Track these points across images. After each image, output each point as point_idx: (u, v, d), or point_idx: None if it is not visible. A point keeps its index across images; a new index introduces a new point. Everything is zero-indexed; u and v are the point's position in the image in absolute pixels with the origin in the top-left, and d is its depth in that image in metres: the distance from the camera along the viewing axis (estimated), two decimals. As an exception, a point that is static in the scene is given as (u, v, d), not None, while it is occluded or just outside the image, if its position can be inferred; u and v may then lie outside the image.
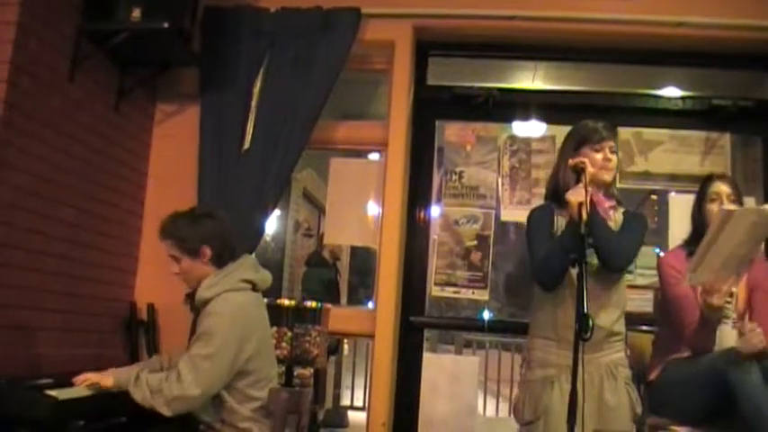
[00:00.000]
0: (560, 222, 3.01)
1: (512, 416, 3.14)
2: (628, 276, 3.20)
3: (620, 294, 3.03)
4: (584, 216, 2.69)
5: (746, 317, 3.21)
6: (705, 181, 3.41)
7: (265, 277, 3.12)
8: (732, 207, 3.05)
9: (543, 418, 2.87)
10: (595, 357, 2.85)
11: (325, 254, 7.90)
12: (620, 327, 3.01)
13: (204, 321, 2.87)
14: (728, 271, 2.86)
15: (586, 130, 3.05)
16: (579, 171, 2.85)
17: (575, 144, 3.06)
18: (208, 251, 2.95)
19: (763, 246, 3.92)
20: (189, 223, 2.98)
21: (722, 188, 3.30)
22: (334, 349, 4.23)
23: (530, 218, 3.14)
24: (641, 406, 3.00)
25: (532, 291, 3.12)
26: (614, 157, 3.02)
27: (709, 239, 2.80)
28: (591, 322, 2.40)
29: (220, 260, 2.98)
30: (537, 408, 2.90)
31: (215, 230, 2.98)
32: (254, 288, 3.04)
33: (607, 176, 3.01)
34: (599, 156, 2.98)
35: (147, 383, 2.79)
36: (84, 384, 2.86)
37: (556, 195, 3.06)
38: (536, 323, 3.07)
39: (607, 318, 2.93)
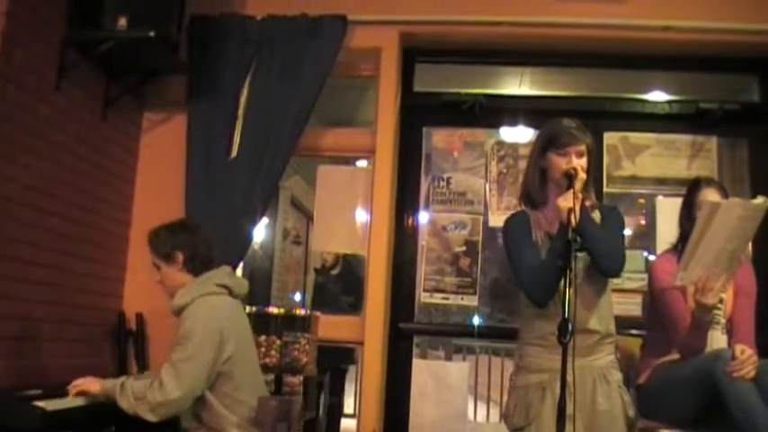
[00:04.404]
0: (536, 228, 2.96)
1: (502, 422, 3.08)
2: (615, 280, 3.18)
3: (610, 296, 2.99)
4: (573, 223, 2.66)
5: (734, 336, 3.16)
6: (693, 186, 3.31)
7: (241, 282, 3.22)
8: (718, 199, 3.00)
9: (534, 424, 2.83)
10: (588, 361, 2.82)
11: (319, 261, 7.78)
12: (613, 328, 2.97)
13: (181, 326, 2.93)
14: (720, 267, 2.82)
15: (551, 134, 2.94)
16: (570, 177, 2.80)
17: (542, 147, 2.96)
18: (180, 256, 3.07)
19: (750, 248, 3.94)
20: (165, 232, 3.13)
21: (712, 195, 3.16)
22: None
23: (507, 226, 3.03)
24: (634, 409, 2.98)
25: (519, 296, 3.06)
26: (581, 161, 2.87)
27: (698, 235, 2.77)
28: (570, 327, 2.39)
29: (194, 267, 3.08)
30: (528, 413, 2.86)
31: (188, 239, 3.11)
32: (231, 294, 3.11)
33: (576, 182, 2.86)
34: (563, 161, 2.86)
35: (131, 390, 2.82)
36: (72, 391, 2.90)
37: (528, 199, 3.03)
38: (527, 329, 3.00)
39: (600, 321, 2.89)
